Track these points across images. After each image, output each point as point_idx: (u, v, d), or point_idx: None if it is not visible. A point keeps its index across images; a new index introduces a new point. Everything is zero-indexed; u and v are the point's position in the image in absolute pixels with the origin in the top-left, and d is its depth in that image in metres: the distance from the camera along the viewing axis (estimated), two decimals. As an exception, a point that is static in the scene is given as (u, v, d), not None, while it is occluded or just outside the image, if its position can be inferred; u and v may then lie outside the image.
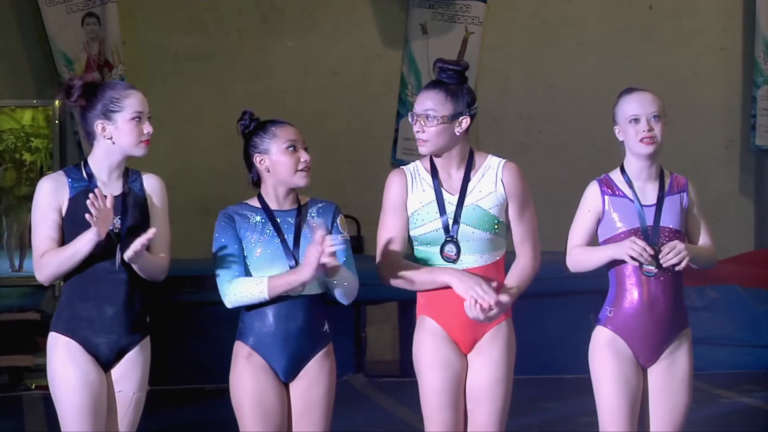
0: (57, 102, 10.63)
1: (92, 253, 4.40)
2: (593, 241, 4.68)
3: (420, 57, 11.16)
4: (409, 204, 4.51)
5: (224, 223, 4.50)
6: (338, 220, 4.54)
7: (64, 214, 4.44)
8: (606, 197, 4.63)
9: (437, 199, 4.49)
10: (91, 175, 4.48)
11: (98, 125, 4.47)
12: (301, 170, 4.46)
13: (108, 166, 4.50)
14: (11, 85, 10.57)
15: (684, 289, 4.68)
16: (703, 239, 4.72)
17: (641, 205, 4.60)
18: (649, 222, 4.58)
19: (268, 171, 4.48)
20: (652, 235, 4.56)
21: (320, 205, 4.55)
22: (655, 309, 4.57)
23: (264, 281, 4.38)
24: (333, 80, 11.14)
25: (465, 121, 4.50)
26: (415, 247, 4.55)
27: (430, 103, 4.48)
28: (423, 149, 4.52)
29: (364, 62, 11.19)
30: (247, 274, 4.45)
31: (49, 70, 10.52)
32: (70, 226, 4.43)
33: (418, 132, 4.49)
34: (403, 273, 4.50)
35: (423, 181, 4.53)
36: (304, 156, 4.47)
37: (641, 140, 4.57)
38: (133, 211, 4.48)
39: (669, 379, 4.61)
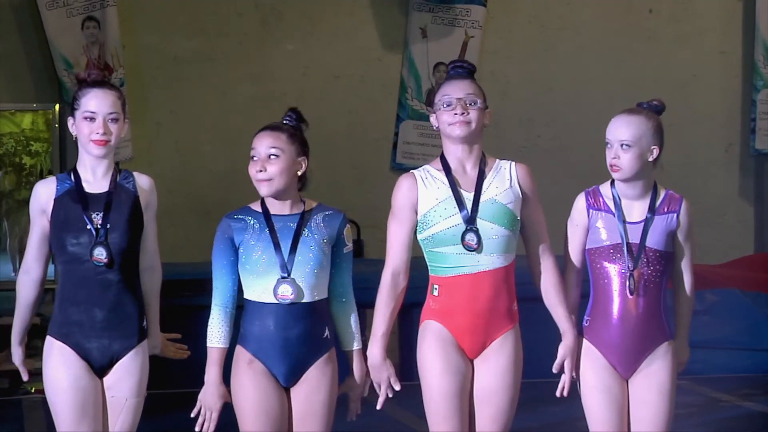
0: (57, 106, 10.64)
1: (77, 254, 4.42)
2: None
3: (420, 61, 11.17)
4: (423, 204, 4.48)
5: (220, 234, 4.47)
6: (345, 231, 4.53)
7: (50, 216, 4.46)
8: (591, 211, 4.63)
9: (454, 194, 4.48)
10: (77, 177, 4.51)
11: (69, 120, 4.53)
12: (255, 181, 4.43)
13: (89, 163, 4.52)
14: (11, 89, 10.58)
15: (668, 292, 4.67)
16: (685, 273, 4.70)
17: (624, 222, 4.59)
18: (634, 239, 4.57)
19: None
20: (636, 254, 4.56)
21: (328, 212, 4.51)
22: (627, 322, 4.56)
23: (215, 344, 4.44)
24: (333, 84, 11.15)
25: (489, 114, 4.56)
26: (427, 250, 4.52)
27: (470, 89, 4.51)
28: (462, 130, 4.48)
29: (363, 66, 11.19)
30: (247, 278, 4.43)
31: (48, 73, 10.53)
32: (55, 226, 4.46)
33: (463, 114, 4.47)
34: (380, 305, 4.57)
35: (436, 180, 4.51)
36: (257, 166, 4.41)
37: (609, 167, 4.58)
38: (119, 208, 4.48)
39: (647, 391, 4.59)
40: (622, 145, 4.54)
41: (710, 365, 9.17)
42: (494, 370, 4.48)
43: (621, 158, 4.54)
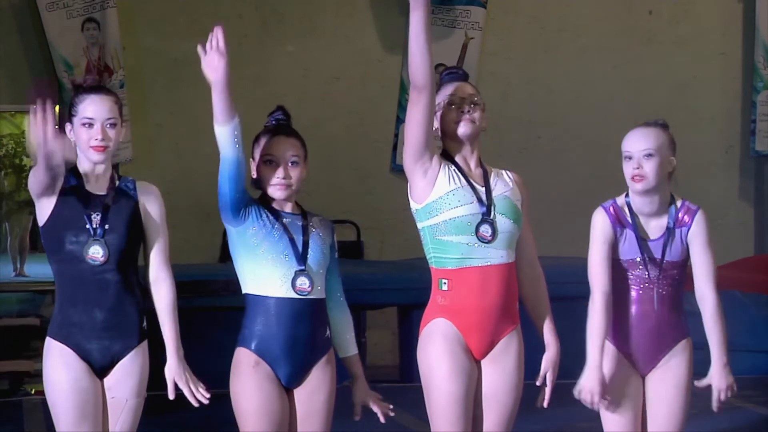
0: (56, 107, 10.63)
1: (75, 253, 4.41)
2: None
3: (420, 62, 11.16)
4: (438, 186, 4.44)
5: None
6: (335, 236, 4.56)
7: (52, 208, 4.43)
8: (617, 228, 4.57)
9: (468, 184, 4.46)
10: (78, 175, 4.50)
11: (67, 126, 4.52)
12: (274, 185, 4.43)
13: (89, 169, 4.51)
14: (11, 90, 10.58)
15: (684, 295, 4.67)
16: (707, 290, 4.58)
17: (640, 239, 4.57)
18: (653, 255, 4.57)
19: (256, 178, 4.48)
20: (656, 270, 4.56)
21: (319, 217, 4.54)
22: (648, 320, 4.56)
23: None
24: (333, 85, 11.15)
25: (486, 119, 4.56)
26: (434, 238, 4.46)
27: (472, 90, 4.53)
28: (469, 128, 4.48)
29: (363, 67, 11.20)
30: (258, 268, 4.38)
31: (49, 75, 10.53)
32: (55, 222, 4.43)
33: (469, 112, 4.47)
34: None
35: (449, 168, 4.49)
36: (280, 172, 4.42)
37: (632, 178, 4.56)
38: (118, 212, 4.47)
39: (664, 387, 4.61)
40: (645, 155, 4.52)
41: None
42: (502, 372, 4.47)
43: (644, 167, 4.52)
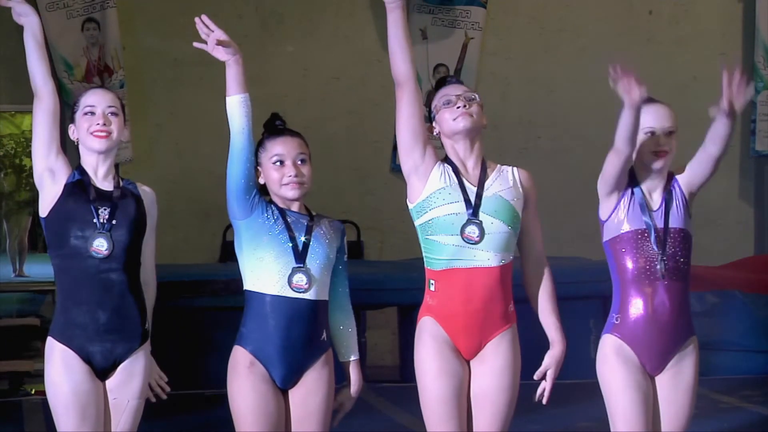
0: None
1: (79, 248, 4.40)
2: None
3: (420, 62, 11.15)
4: (431, 182, 4.44)
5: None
6: (345, 240, 4.55)
7: (57, 198, 4.44)
8: (630, 188, 4.59)
9: (459, 183, 4.45)
10: (83, 172, 4.50)
11: (70, 128, 4.55)
12: (286, 184, 4.43)
13: (92, 166, 4.52)
14: (11, 91, 10.57)
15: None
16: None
17: (645, 207, 4.57)
18: (660, 224, 4.57)
19: (264, 182, 4.48)
20: (662, 238, 4.55)
21: (330, 219, 4.54)
22: (660, 318, 4.54)
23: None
24: (333, 85, 11.14)
25: (485, 116, 4.55)
26: (424, 238, 4.47)
27: (466, 88, 4.53)
28: (467, 121, 4.45)
29: (363, 67, 11.19)
30: (257, 263, 4.38)
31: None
32: (60, 215, 4.43)
33: (465, 106, 4.46)
34: None
35: (446, 166, 4.49)
36: (290, 171, 4.43)
37: (656, 153, 4.57)
38: (124, 208, 4.48)
39: (674, 388, 4.59)
40: (668, 132, 4.62)
41: (711, 366, 9.16)
42: (491, 371, 4.46)
43: (670, 144, 4.60)
